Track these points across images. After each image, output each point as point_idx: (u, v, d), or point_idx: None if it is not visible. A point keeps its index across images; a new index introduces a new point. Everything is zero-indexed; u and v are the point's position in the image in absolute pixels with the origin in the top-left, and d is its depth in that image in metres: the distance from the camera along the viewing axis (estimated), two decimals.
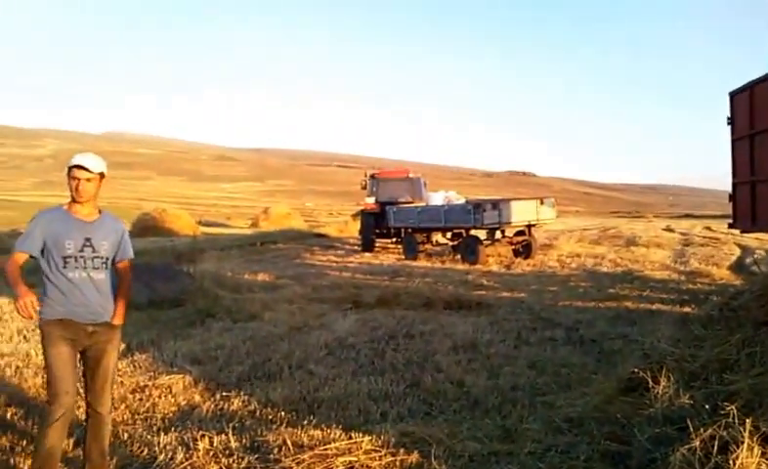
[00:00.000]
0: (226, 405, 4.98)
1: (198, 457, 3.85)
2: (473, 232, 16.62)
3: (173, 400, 5.14)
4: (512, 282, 12.12)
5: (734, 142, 7.99)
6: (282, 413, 4.71)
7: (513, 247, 17.15)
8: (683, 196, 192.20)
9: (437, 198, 18.80)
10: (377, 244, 21.09)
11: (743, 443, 2.97)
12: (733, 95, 7.91)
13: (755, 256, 14.93)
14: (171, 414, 4.83)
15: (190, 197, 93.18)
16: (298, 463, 3.65)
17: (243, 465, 3.77)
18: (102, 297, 3.52)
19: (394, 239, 20.10)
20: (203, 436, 4.15)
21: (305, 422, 4.46)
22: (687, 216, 56.28)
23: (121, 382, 5.56)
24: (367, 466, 3.65)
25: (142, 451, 4.07)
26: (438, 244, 18.69)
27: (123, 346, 6.80)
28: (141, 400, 5.16)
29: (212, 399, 5.16)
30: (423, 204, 19.17)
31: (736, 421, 3.13)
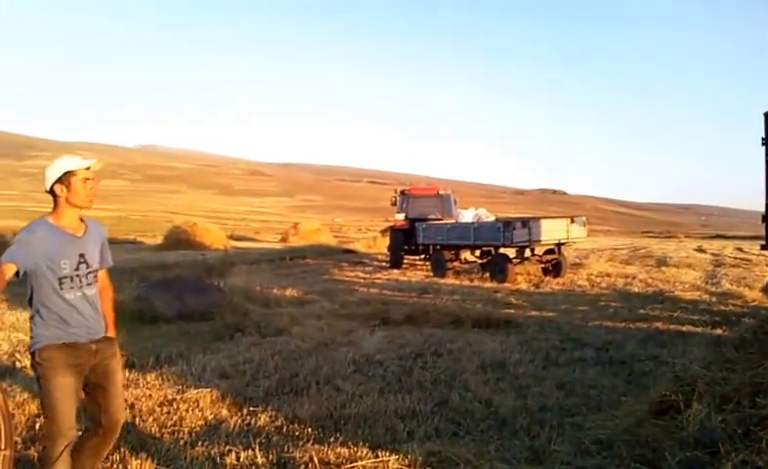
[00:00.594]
0: (253, 420, 4.98)
1: None
2: (502, 250, 16.43)
3: (200, 414, 5.15)
4: (541, 301, 11.99)
5: None
6: (309, 430, 4.70)
7: (542, 266, 16.90)
8: (715, 217, 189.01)
9: (467, 216, 18.70)
10: (405, 261, 20.96)
11: None
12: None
13: None
14: (198, 428, 4.84)
15: (219, 211, 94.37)
16: None
17: None
18: (96, 313, 3.32)
19: (422, 256, 19.93)
20: (230, 451, 4.17)
21: (332, 439, 4.44)
22: (718, 237, 55.24)
23: (149, 395, 5.61)
24: None
25: (169, 466, 4.06)
26: (466, 262, 18.48)
27: (152, 358, 6.91)
28: (168, 413, 5.18)
29: (239, 413, 5.16)
30: (453, 221, 19.09)
31: None
